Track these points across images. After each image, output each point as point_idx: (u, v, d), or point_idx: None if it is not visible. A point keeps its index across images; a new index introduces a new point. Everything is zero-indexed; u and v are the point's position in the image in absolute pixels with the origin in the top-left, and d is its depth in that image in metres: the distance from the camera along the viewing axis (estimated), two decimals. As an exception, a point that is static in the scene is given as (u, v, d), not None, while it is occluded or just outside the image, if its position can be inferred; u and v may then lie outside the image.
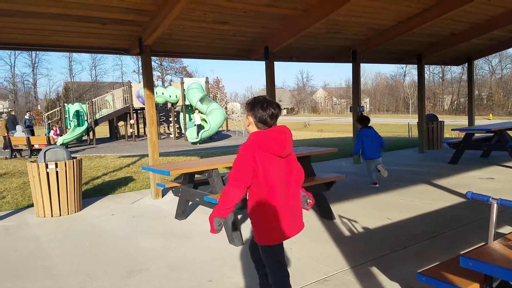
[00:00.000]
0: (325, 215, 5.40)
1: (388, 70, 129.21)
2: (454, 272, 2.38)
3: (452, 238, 4.47)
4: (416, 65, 11.89)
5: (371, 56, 10.90)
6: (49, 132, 19.24)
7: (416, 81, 14.92)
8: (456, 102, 62.93)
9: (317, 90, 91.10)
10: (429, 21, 7.90)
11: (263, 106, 2.54)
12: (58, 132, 19.62)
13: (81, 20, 6.14)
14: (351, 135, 9.90)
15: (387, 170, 7.25)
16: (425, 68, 12.46)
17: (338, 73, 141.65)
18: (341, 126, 37.47)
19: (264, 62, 8.63)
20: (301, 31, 7.44)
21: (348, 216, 5.49)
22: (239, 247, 4.44)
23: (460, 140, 9.86)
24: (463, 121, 32.45)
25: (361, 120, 7.38)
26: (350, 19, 7.87)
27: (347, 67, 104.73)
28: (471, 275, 2.25)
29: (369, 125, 7.27)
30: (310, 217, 5.53)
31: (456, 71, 64.26)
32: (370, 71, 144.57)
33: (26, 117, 18.84)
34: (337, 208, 5.81)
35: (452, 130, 12.81)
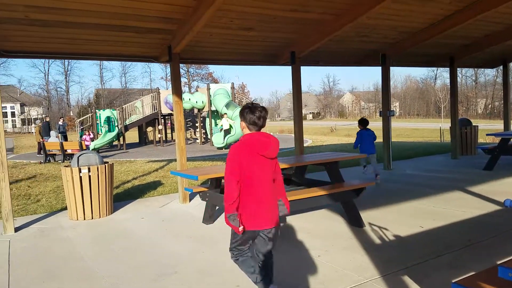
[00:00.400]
0: (355, 222, 5.30)
1: (418, 73, 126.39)
2: (491, 283, 2.28)
3: (488, 247, 4.30)
4: (448, 68, 11.58)
5: (401, 60, 10.70)
6: (82, 137, 19.84)
7: (448, 84, 14.53)
8: (490, 106, 60.87)
9: (344, 94, 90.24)
10: (462, 23, 7.68)
11: (251, 111, 3.00)
12: (91, 136, 20.18)
13: (117, 30, 6.34)
14: (380, 140, 9.70)
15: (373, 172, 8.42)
16: (457, 71, 12.10)
17: (366, 77, 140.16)
18: (369, 131, 36.88)
19: (289, 66, 8.62)
20: (329, 35, 7.39)
21: (378, 223, 5.38)
22: (267, 253, 4.42)
23: (495, 146, 9.52)
24: (498, 125, 31.31)
25: (362, 123, 8.47)
26: (380, 22, 7.75)
27: (376, 70, 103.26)
28: (510, 286, 2.15)
29: (367, 127, 8.52)
30: (339, 224, 5.46)
31: (490, 73, 62.24)
32: (400, 74, 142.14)
33: (60, 123, 19.47)
34: (366, 215, 5.70)
35: (486, 135, 12.38)
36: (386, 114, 10.02)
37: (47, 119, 19.03)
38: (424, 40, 8.72)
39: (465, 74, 65.99)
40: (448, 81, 12.82)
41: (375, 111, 73.75)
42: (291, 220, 5.70)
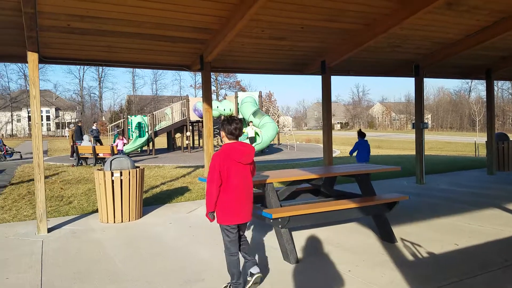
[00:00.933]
0: (386, 237, 5.15)
1: (452, 85, 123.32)
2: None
3: (528, 269, 4.09)
4: (483, 80, 11.22)
5: (434, 71, 10.45)
6: (115, 141, 20.29)
7: (483, 97, 14.06)
8: (527, 120, 58.48)
9: (374, 104, 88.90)
10: (500, 34, 7.43)
11: (229, 123, 3.53)
12: (125, 141, 20.61)
13: (152, 39, 6.52)
14: (411, 152, 9.48)
15: None
16: (494, 83, 11.70)
17: (397, 87, 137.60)
18: (401, 143, 36.11)
19: (318, 76, 8.58)
20: (361, 45, 7.31)
21: (411, 239, 5.22)
22: (293, 265, 4.36)
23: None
24: (536, 140, 29.95)
25: (360, 134, 9.37)
26: (413, 33, 7.61)
27: (407, 81, 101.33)
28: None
29: (365, 138, 9.45)
30: (369, 238, 5.33)
31: (527, 86, 59.88)
32: (432, 86, 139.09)
33: (94, 127, 20.03)
34: (399, 230, 5.54)
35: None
36: (419, 126, 9.78)
37: (80, 124, 19.59)
38: (459, 51, 8.49)
39: (501, 87, 63.85)
40: (483, 93, 12.41)
41: (407, 122, 72.25)
42: (319, 232, 5.62)
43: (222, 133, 3.58)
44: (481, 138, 19.97)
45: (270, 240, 5.28)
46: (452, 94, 77.47)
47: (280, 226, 4.45)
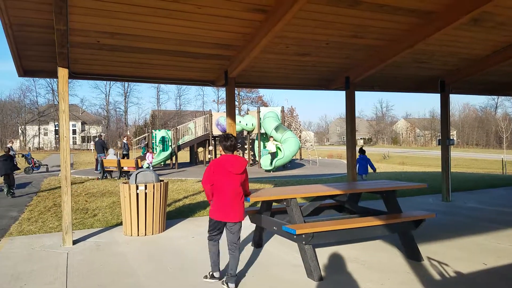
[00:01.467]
0: (412, 255, 5.02)
1: (477, 101, 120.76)
2: None
3: None
4: (511, 97, 10.94)
5: (460, 87, 10.26)
6: (144, 153, 20.61)
7: (510, 113, 13.67)
8: (558, 137, 56.43)
9: (398, 120, 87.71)
10: (530, 49, 7.27)
11: (225, 139, 4.29)
12: (153, 156, 20.88)
13: (178, 55, 6.67)
14: (436, 169, 9.28)
15: None
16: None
17: (422, 103, 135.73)
18: (426, 159, 35.34)
19: (340, 91, 8.55)
20: (386, 61, 7.26)
21: (437, 258, 5.06)
22: (317, 282, 4.29)
23: None
24: None
25: (360, 151, 11.42)
26: (439, 49, 7.53)
27: (432, 97, 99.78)
28: None
29: (365, 154, 12.56)
30: (395, 256, 5.20)
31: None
32: (457, 102, 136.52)
33: (124, 141, 20.52)
34: (425, 249, 5.39)
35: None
36: (445, 143, 9.58)
37: (101, 137, 19.96)
38: (487, 67, 8.33)
39: (530, 103, 62.04)
40: (510, 109, 12.06)
41: (431, 139, 70.86)
42: (343, 249, 5.52)
43: (220, 148, 4.33)
44: (509, 156, 19.36)
45: (293, 256, 5.22)
46: (478, 110, 75.79)
47: (304, 242, 4.40)
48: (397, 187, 5.35)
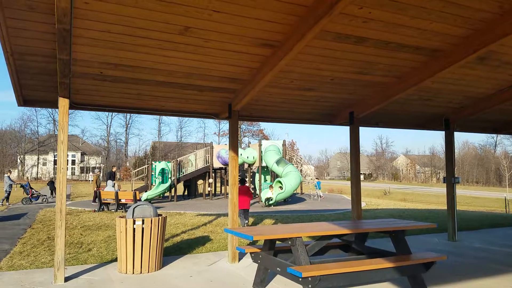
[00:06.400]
0: (423, 301, 4.74)
1: (477, 139, 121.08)
2: None
3: None
4: (509, 136, 10.85)
5: (464, 125, 10.19)
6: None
7: (510, 152, 13.57)
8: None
9: (397, 156, 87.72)
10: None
11: (240, 182, 7.73)
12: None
13: (182, 88, 6.60)
14: (438, 206, 9.06)
15: None
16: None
17: (422, 140, 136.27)
18: (427, 196, 34.96)
19: (341, 126, 8.46)
20: (391, 98, 7.20)
21: (450, 304, 4.78)
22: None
23: None
24: None
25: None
26: (445, 87, 7.49)
27: (432, 134, 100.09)
28: None
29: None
30: (403, 301, 4.91)
31: (558, 141, 58.14)
32: (457, 140, 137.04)
33: (113, 170, 20.20)
34: (435, 294, 5.11)
35: None
36: (451, 181, 9.39)
37: (114, 169, 19.53)
38: (491, 105, 8.29)
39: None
40: (509, 148, 11.96)
41: (431, 175, 70.59)
42: (349, 292, 5.23)
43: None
44: (511, 194, 19.11)
45: (297, 300, 4.93)
46: (477, 148, 75.91)
47: (310, 286, 4.14)
48: (407, 227, 5.14)
